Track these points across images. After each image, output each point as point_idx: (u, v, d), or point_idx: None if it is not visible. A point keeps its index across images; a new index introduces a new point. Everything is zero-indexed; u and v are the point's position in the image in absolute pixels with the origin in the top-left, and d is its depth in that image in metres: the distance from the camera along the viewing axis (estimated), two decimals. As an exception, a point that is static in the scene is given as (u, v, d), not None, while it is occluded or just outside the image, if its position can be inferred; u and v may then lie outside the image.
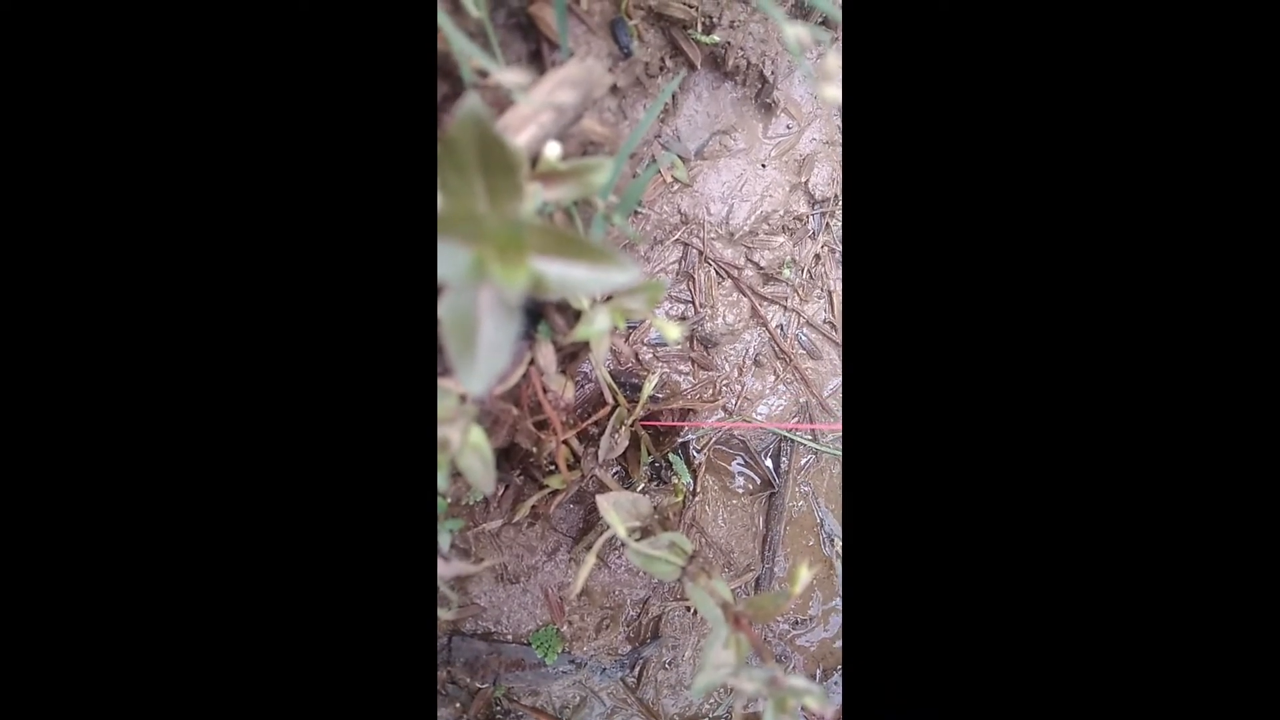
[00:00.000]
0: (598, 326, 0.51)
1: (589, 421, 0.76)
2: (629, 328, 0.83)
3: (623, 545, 0.80)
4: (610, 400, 0.76)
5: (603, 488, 0.81)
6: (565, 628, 0.87)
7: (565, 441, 0.76)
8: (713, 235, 0.84)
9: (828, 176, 0.86)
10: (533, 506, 0.82)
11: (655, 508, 0.80)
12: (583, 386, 0.83)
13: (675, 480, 0.87)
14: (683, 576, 0.70)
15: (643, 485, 0.85)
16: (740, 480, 0.95)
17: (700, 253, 0.84)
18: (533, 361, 0.60)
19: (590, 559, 0.66)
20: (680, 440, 0.93)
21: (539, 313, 0.57)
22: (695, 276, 0.85)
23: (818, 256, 0.90)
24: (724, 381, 0.89)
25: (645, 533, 0.76)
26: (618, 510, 0.74)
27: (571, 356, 0.68)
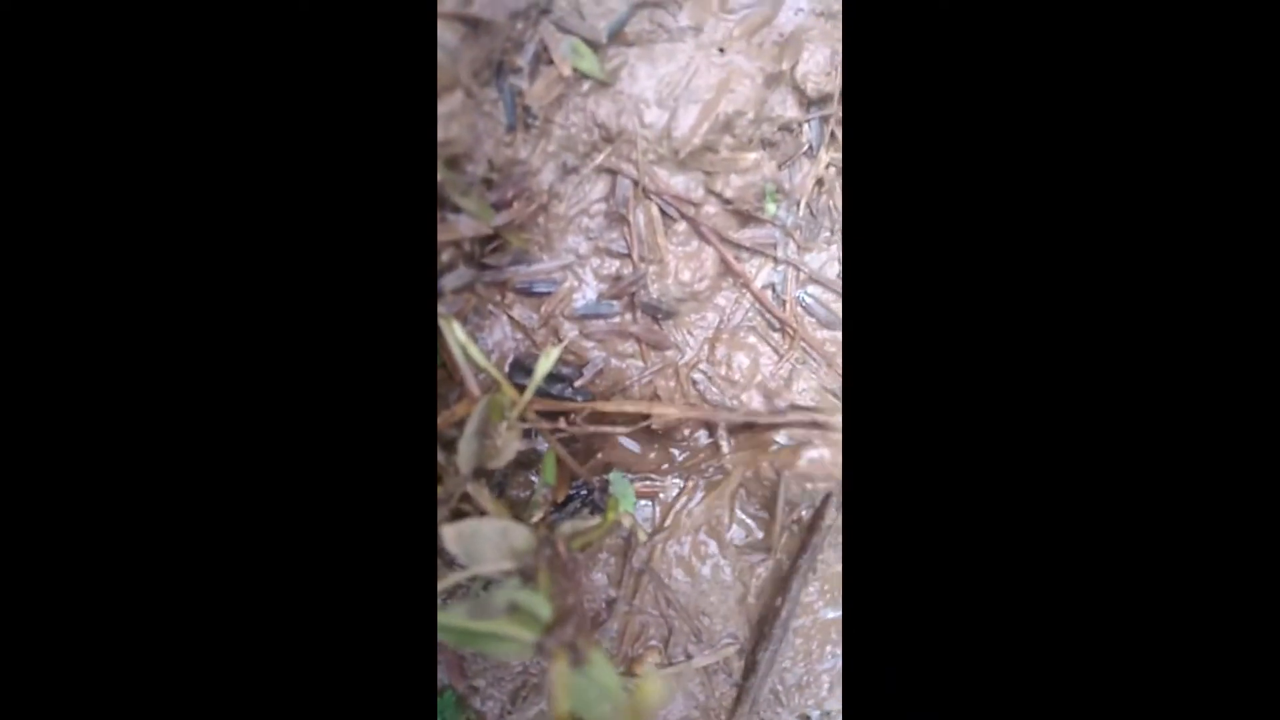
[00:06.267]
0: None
1: (441, 417, 0.54)
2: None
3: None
4: (469, 382, 0.54)
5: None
6: (469, 692, 0.65)
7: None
8: (651, 156, 0.59)
9: (825, 63, 0.58)
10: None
11: (548, 539, 0.56)
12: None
13: (610, 506, 0.63)
14: (539, 653, 0.46)
15: (541, 515, 0.61)
16: (737, 531, 0.66)
17: (635, 183, 0.60)
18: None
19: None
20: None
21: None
22: (629, 218, 0.61)
23: (820, 182, 0.61)
24: (692, 362, 0.63)
25: (526, 580, 0.53)
26: (474, 544, 0.52)
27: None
